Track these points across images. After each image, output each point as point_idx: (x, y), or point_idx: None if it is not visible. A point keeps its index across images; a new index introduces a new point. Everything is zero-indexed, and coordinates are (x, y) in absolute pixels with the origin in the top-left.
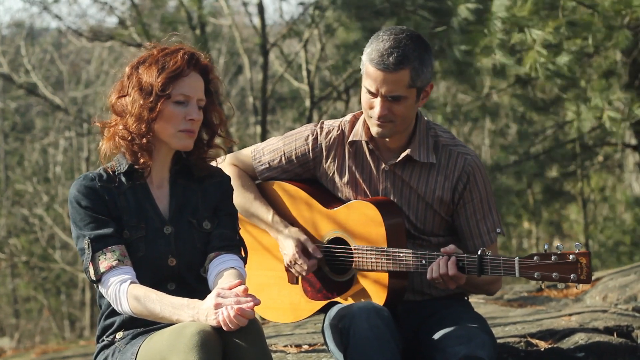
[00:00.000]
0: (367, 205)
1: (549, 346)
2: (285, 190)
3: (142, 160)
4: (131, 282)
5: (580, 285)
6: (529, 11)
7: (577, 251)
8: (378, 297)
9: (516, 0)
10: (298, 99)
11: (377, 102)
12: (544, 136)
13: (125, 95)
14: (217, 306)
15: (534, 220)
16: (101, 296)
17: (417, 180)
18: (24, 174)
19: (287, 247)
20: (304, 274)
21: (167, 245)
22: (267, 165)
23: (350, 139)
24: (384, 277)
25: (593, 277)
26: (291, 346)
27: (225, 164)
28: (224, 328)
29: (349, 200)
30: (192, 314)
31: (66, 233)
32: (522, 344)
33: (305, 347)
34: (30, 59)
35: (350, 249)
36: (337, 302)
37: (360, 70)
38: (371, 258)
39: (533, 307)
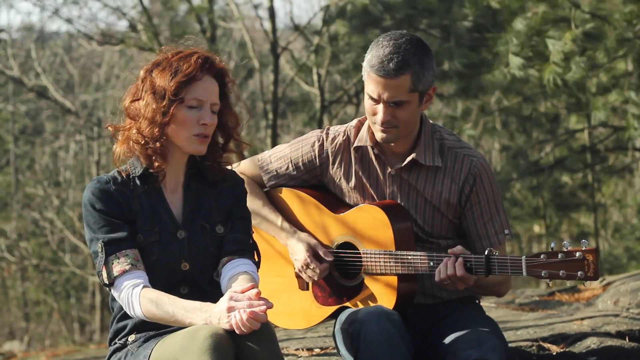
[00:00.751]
0: (374, 208)
1: (561, 350)
2: (294, 196)
3: (156, 164)
4: (144, 287)
5: (588, 282)
6: (539, 23)
7: (583, 248)
8: (388, 300)
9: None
10: (308, 102)
11: (380, 108)
12: (554, 143)
13: (138, 99)
14: (230, 309)
15: (543, 224)
16: (113, 299)
17: (423, 183)
18: (35, 178)
19: (298, 253)
20: (315, 278)
21: (180, 250)
22: (275, 173)
23: (355, 145)
24: (394, 280)
25: (605, 282)
26: (303, 350)
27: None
28: (237, 331)
29: (357, 205)
30: (204, 317)
31: (76, 236)
32: (534, 348)
33: (317, 350)
34: (40, 63)
35: (359, 253)
36: (348, 307)
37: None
38: (380, 262)
39: (545, 311)
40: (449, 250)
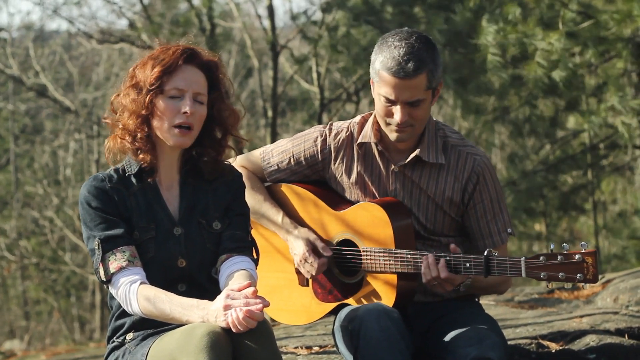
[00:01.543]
0: (374, 206)
1: (560, 348)
2: (294, 192)
3: (141, 157)
4: (141, 283)
5: (587, 284)
6: (533, 24)
7: (583, 251)
8: (387, 298)
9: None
10: (308, 101)
11: (397, 109)
12: (554, 146)
13: (122, 94)
14: (227, 307)
15: (544, 223)
16: (112, 297)
17: (426, 181)
18: (34, 176)
19: (297, 247)
20: (313, 272)
21: (176, 247)
22: (276, 167)
23: (359, 141)
24: (393, 278)
25: (604, 279)
26: (302, 348)
27: (234, 165)
28: (233, 330)
29: (358, 201)
30: (201, 315)
31: (76, 235)
32: (533, 345)
33: (316, 348)
34: (40, 61)
35: (359, 251)
36: (348, 304)
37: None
38: (379, 259)
39: (544, 308)
40: (451, 248)
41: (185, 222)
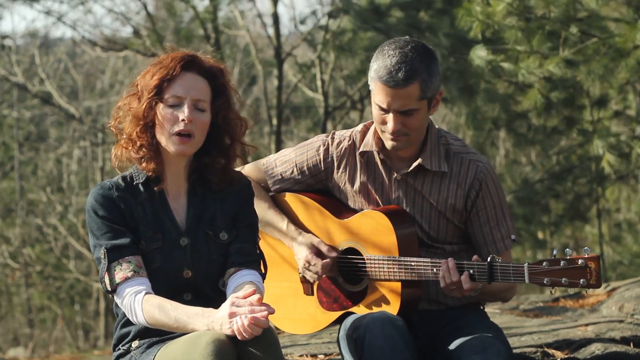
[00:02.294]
0: (378, 214)
1: (566, 356)
2: (299, 201)
3: (145, 165)
4: (146, 293)
5: (590, 289)
6: (537, 42)
7: (586, 256)
8: (392, 306)
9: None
10: (312, 108)
11: (390, 117)
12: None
13: (125, 103)
14: (232, 315)
15: (548, 230)
16: (117, 305)
17: (429, 189)
18: (38, 184)
19: (301, 252)
20: (318, 275)
21: (182, 257)
22: (280, 177)
23: (361, 150)
24: (397, 286)
25: (609, 287)
26: (307, 356)
27: None
28: (238, 337)
29: (361, 210)
30: (206, 323)
31: (80, 243)
32: (538, 354)
33: (321, 356)
34: (45, 69)
35: (363, 259)
36: (353, 313)
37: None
38: (384, 267)
39: (549, 317)
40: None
41: (191, 232)
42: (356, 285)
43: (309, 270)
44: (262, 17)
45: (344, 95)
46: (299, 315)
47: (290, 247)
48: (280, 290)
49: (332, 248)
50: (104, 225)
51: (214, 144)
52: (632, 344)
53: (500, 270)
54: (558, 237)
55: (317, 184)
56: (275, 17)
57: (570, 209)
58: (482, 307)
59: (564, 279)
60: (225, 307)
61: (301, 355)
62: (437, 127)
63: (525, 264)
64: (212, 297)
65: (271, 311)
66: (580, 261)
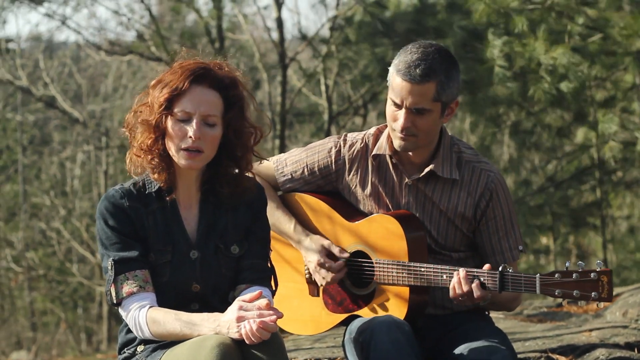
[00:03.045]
0: (388, 219)
1: None
2: (307, 203)
3: (155, 176)
4: (150, 307)
5: (602, 303)
6: (542, 39)
7: (598, 269)
8: (399, 311)
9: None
10: (316, 114)
11: (401, 114)
12: (563, 160)
13: (137, 112)
14: (240, 319)
15: (551, 236)
16: None
17: (439, 195)
18: (42, 187)
19: (311, 254)
20: (329, 279)
21: (191, 271)
22: (290, 177)
23: (374, 153)
24: (405, 291)
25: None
26: None
27: None
28: (247, 341)
29: (371, 213)
30: (213, 327)
31: (83, 247)
32: (542, 359)
33: None
34: (49, 72)
35: (372, 263)
36: (358, 316)
37: (379, 84)
38: (392, 272)
39: (553, 322)
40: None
41: (202, 245)
42: (363, 289)
43: (320, 273)
44: (266, 21)
45: (347, 100)
46: (303, 316)
47: (298, 248)
48: (285, 291)
49: (343, 250)
50: (113, 235)
51: (225, 154)
52: (636, 350)
53: (512, 280)
54: (561, 242)
55: (327, 185)
56: (279, 22)
57: (574, 214)
58: (487, 313)
59: (575, 291)
60: (233, 310)
61: None
62: (450, 134)
63: (537, 275)
64: (220, 308)
65: (279, 315)
66: (592, 274)
